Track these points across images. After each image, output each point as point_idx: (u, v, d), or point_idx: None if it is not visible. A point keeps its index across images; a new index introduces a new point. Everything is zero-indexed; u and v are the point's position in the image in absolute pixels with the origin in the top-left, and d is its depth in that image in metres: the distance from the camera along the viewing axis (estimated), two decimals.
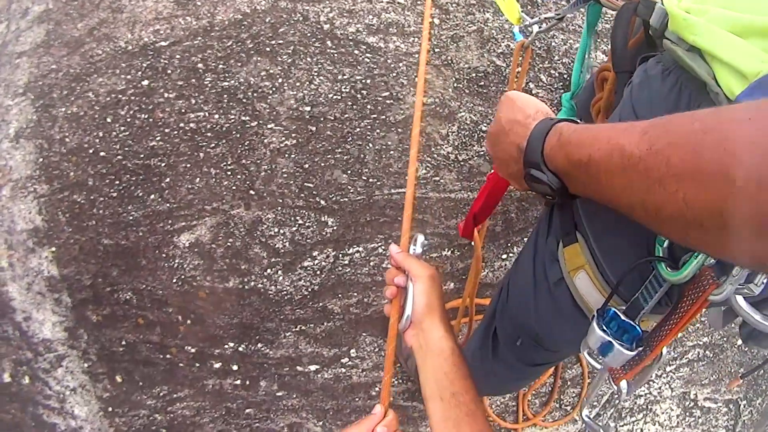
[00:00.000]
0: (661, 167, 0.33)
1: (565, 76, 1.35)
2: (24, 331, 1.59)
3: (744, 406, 1.70)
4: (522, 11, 1.32)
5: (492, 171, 0.90)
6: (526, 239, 1.32)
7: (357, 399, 1.34)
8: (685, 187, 0.32)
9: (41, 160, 1.48)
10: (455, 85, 1.24)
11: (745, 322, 0.52)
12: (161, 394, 1.43)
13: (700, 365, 1.60)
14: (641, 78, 0.56)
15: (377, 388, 1.33)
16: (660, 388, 1.55)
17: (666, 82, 0.51)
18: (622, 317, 0.52)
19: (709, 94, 0.45)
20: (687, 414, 1.63)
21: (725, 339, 1.67)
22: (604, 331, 0.51)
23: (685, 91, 0.48)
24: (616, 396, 0.56)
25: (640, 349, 0.52)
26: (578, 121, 0.49)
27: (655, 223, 0.37)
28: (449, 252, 1.25)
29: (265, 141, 1.22)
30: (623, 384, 0.55)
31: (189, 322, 1.34)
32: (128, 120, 1.36)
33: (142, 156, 1.34)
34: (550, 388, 1.39)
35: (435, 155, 1.21)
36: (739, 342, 1.70)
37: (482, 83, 1.25)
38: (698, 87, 0.47)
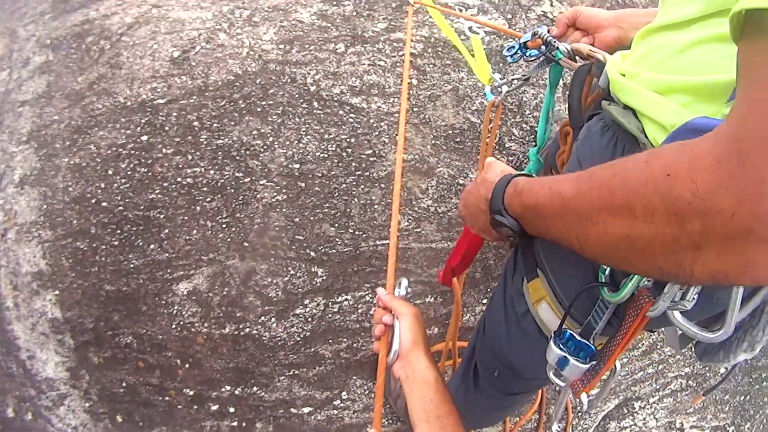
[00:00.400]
0: (586, 206, 0.43)
1: (536, 129, 1.44)
2: (28, 369, 1.65)
3: (732, 431, 1.76)
4: (494, 69, 1.42)
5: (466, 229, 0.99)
6: None
7: None
8: (603, 219, 0.41)
9: (45, 207, 1.55)
10: (433, 142, 1.32)
11: (698, 341, 0.61)
12: None
13: (683, 395, 1.66)
14: (585, 134, 0.66)
15: (368, 429, 1.40)
16: (645, 419, 1.62)
17: (605, 137, 0.60)
18: (577, 337, 0.60)
19: (640, 145, 0.54)
20: None
21: (707, 368, 1.73)
22: (561, 348, 0.60)
23: (620, 144, 0.57)
24: (579, 408, 0.63)
25: (594, 363, 0.60)
26: (533, 175, 0.60)
27: (587, 251, 0.46)
28: (432, 299, 1.32)
29: (258, 196, 1.30)
30: (583, 397, 0.63)
31: (187, 365, 1.41)
32: (129, 173, 1.44)
33: (142, 207, 1.41)
34: (535, 424, 1.46)
35: (416, 208, 1.29)
36: (722, 370, 1.76)
37: (458, 139, 1.34)
38: (631, 140, 0.55)
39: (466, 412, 1.06)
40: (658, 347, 1.62)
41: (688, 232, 0.34)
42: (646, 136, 0.52)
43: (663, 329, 0.90)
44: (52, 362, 1.62)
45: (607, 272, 0.57)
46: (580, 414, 1.53)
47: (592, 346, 0.60)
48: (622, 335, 0.57)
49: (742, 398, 1.76)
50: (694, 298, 0.49)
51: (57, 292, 1.56)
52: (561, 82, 1.36)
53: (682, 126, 0.44)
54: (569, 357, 0.59)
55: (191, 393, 1.42)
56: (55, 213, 1.55)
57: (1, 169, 1.69)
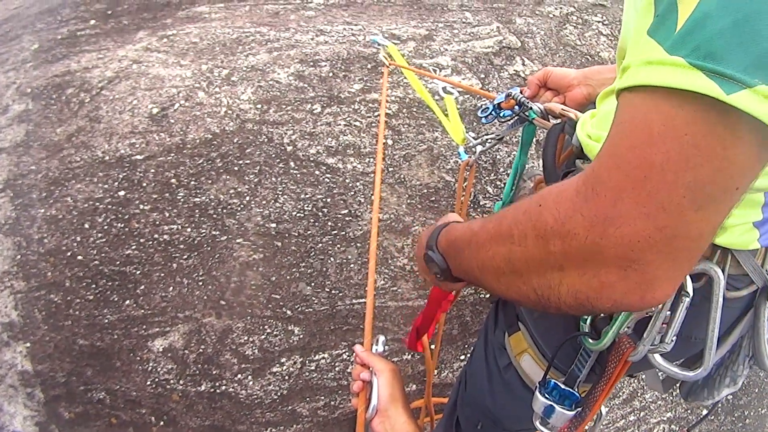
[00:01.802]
0: (484, 236, 0.50)
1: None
2: None
3: None
4: (468, 129, 1.47)
5: (431, 288, 1.03)
6: None
7: None
8: (492, 247, 0.48)
9: (19, 257, 1.53)
10: (408, 201, 1.36)
11: (683, 382, 0.64)
12: None
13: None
14: None
15: None
16: None
17: None
18: (562, 386, 0.63)
19: None
20: None
21: (689, 411, 1.76)
22: (546, 397, 0.63)
23: None
24: None
25: (579, 409, 0.63)
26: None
27: (484, 279, 0.52)
28: (409, 356, 1.34)
29: (235, 254, 1.31)
30: None
31: (162, 423, 1.39)
32: (105, 227, 1.44)
33: (118, 263, 1.41)
34: None
35: (392, 267, 1.32)
36: (704, 412, 1.79)
37: (433, 198, 1.39)
38: None
39: None
40: (639, 395, 1.65)
41: (552, 253, 0.39)
42: None
43: (644, 376, 0.94)
44: (20, 416, 1.57)
45: (588, 322, 0.60)
46: None
47: (577, 394, 0.63)
48: (605, 380, 0.60)
49: (700, 425, 1.80)
50: (672, 340, 0.53)
51: (28, 345, 1.53)
52: (534, 140, 1.42)
53: None
54: (555, 405, 0.62)
55: None
56: (29, 264, 1.53)
57: None
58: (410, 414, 0.67)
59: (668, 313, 0.52)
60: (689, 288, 0.51)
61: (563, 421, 0.63)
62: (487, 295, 1.40)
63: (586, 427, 0.66)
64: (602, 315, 0.58)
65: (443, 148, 1.42)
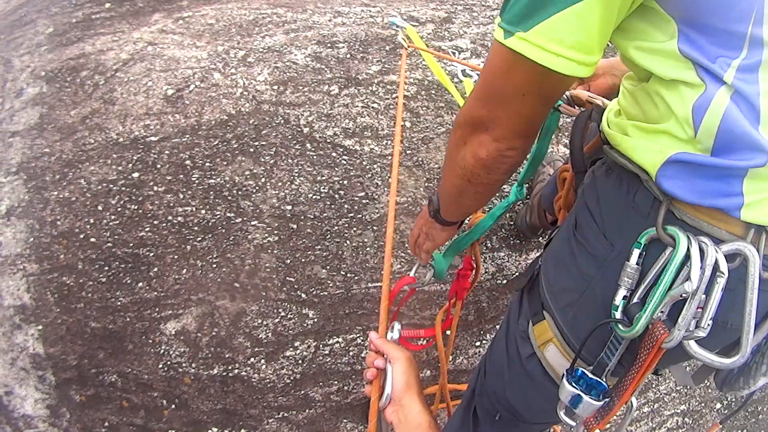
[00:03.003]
0: (449, 160, 0.69)
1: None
2: (5, 405, 1.60)
3: None
4: None
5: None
6: (496, 327, 1.40)
7: None
8: (448, 163, 0.70)
9: (32, 239, 1.53)
10: (426, 184, 1.34)
11: (717, 372, 0.63)
12: None
13: None
14: (590, 179, 0.68)
15: None
16: None
17: (610, 179, 0.63)
18: (590, 375, 0.61)
19: (643, 182, 0.58)
20: None
21: (703, 404, 1.73)
22: (573, 386, 0.60)
23: (625, 183, 0.61)
24: None
25: (607, 400, 0.61)
26: None
27: (446, 189, 0.73)
28: (423, 341, 1.32)
29: (249, 237, 1.29)
30: None
31: (173, 406, 1.38)
32: (119, 209, 1.43)
33: (131, 245, 1.40)
34: None
35: (408, 251, 1.29)
36: (718, 406, 1.76)
37: None
38: (633, 177, 0.59)
39: None
40: (653, 386, 1.62)
41: (460, 137, 0.63)
42: (647, 173, 0.57)
43: (668, 371, 0.91)
44: (31, 399, 1.57)
45: (620, 308, 0.58)
46: None
47: (605, 384, 0.61)
48: (636, 369, 0.58)
49: (733, 417, 1.76)
50: (708, 324, 0.52)
51: (40, 327, 1.52)
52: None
53: (667, 159, 0.53)
54: (582, 395, 0.60)
55: None
56: (42, 246, 1.52)
57: None
58: (424, 403, 0.65)
59: (703, 296, 0.51)
60: (723, 268, 0.50)
61: (590, 412, 0.61)
62: (504, 282, 1.37)
63: (617, 420, 0.64)
64: (624, 295, 0.57)
65: None
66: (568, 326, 0.66)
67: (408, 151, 1.35)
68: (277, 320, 1.28)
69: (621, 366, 0.61)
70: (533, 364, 0.73)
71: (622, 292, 0.57)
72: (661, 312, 0.54)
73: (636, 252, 0.56)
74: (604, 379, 0.61)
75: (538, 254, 1.32)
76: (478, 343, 1.36)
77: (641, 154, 0.57)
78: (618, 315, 0.58)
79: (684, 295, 0.51)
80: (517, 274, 1.38)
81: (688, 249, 0.51)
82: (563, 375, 0.63)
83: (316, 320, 1.27)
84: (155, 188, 1.40)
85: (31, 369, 1.56)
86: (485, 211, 1.14)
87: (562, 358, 0.68)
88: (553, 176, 1.29)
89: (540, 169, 1.41)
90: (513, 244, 1.40)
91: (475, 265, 1.14)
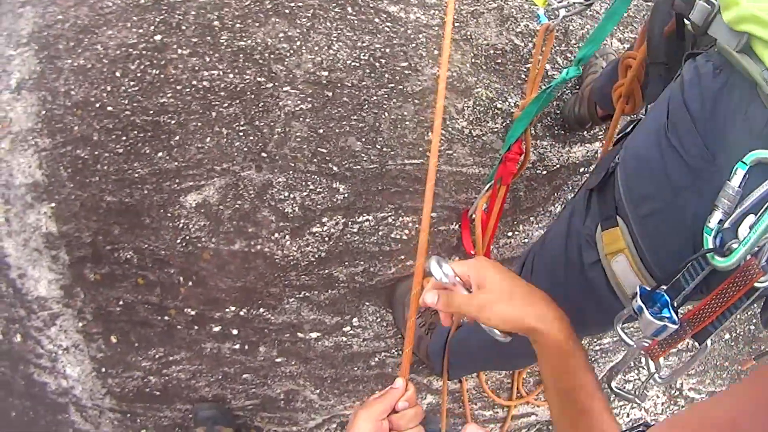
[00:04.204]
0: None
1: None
2: (18, 288, 1.56)
3: None
4: None
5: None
6: (532, 218, 1.33)
7: (356, 368, 1.35)
8: None
9: (44, 112, 1.44)
10: (473, 60, 1.24)
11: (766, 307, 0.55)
12: (157, 356, 1.42)
13: (688, 355, 1.64)
14: (691, 75, 0.57)
15: (377, 358, 1.34)
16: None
17: (716, 81, 0.53)
18: (666, 297, 0.53)
19: (760, 95, 0.47)
20: (672, 402, 1.68)
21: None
22: (654, 316, 0.52)
23: (736, 91, 0.50)
24: (652, 375, 0.57)
25: (678, 326, 0.53)
26: None
27: None
28: (456, 226, 1.26)
29: (280, 104, 1.21)
30: (662, 361, 0.57)
31: (190, 283, 1.34)
32: (138, 75, 1.33)
33: (151, 112, 1.31)
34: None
35: (449, 129, 1.21)
36: (727, 336, 1.74)
37: (499, 61, 1.26)
38: (749, 87, 0.49)
39: (493, 353, 1.00)
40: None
41: None
42: None
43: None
44: (44, 280, 1.53)
45: (712, 233, 0.50)
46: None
47: (674, 315, 0.53)
48: (718, 303, 0.50)
49: (740, 367, 1.75)
50: None
51: (53, 205, 1.46)
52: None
53: None
54: (668, 324, 0.51)
55: (193, 313, 1.35)
56: (55, 119, 1.44)
57: None
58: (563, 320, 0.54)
59: None
60: None
61: (652, 332, 0.53)
62: (544, 172, 1.29)
63: (686, 360, 0.56)
64: (728, 226, 0.49)
65: (514, 9, 1.28)
66: (646, 238, 0.58)
67: (456, 24, 1.24)
68: (305, 194, 1.21)
69: (697, 292, 0.53)
70: (596, 272, 0.65)
71: (718, 215, 0.49)
72: (758, 248, 0.46)
73: (741, 173, 0.47)
74: (676, 305, 0.53)
75: (591, 149, 1.24)
76: (510, 234, 1.30)
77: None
78: (710, 242, 0.50)
79: None
80: (557, 165, 1.30)
81: None
82: (636, 292, 0.54)
83: (346, 195, 1.20)
84: (179, 51, 1.30)
85: (44, 249, 1.51)
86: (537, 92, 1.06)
87: (631, 272, 0.61)
88: (607, 68, 1.20)
89: (592, 60, 1.32)
90: (557, 134, 1.31)
91: (524, 150, 1.07)
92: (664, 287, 0.54)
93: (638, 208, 0.59)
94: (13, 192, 1.53)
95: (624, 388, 0.66)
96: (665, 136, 0.56)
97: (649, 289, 0.54)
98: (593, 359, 1.51)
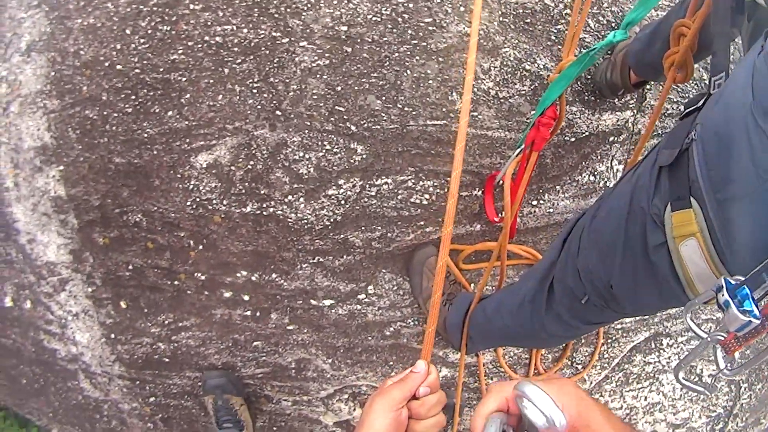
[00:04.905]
0: None
1: (613, 24, 1.29)
2: (27, 253, 1.55)
3: (744, 389, 1.70)
4: None
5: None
6: (558, 187, 1.27)
7: (370, 338, 1.31)
8: None
9: (53, 74, 1.41)
10: (501, 18, 1.17)
11: None
12: (166, 322, 1.40)
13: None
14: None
15: (392, 328, 1.30)
16: (669, 357, 1.55)
17: None
18: (747, 290, 0.48)
19: None
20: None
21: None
22: (742, 311, 0.48)
23: None
24: (723, 369, 0.53)
25: (763, 319, 0.48)
26: None
27: None
28: (479, 191, 1.20)
29: (296, 60, 1.15)
30: (737, 355, 0.53)
31: (201, 247, 1.30)
32: (149, 32, 1.28)
33: (161, 70, 1.27)
34: (563, 345, 1.38)
35: (475, 89, 1.15)
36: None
37: (529, 20, 1.19)
38: None
39: (523, 331, 0.94)
40: None
41: None
42: None
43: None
44: (53, 245, 1.51)
45: None
46: (608, 342, 1.45)
47: (755, 309, 0.48)
48: None
49: None
50: None
51: (61, 168, 1.43)
52: None
53: None
54: (753, 319, 0.47)
55: (203, 278, 1.31)
56: (64, 80, 1.40)
57: (7, 37, 1.53)
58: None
59: None
60: None
61: (737, 327, 0.49)
62: (573, 139, 1.23)
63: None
64: None
65: None
66: (723, 224, 0.54)
67: None
68: (321, 154, 1.16)
69: None
70: (660, 255, 0.61)
71: None
72: None
73: None
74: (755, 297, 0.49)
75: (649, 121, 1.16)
76: (534, 202, 1.24)
77: None
78: None
79: None
80: (586, 133, 1.23)
81: None
82: (722, 287, 0.49)
83: (364, 156, 1.15)
84: (191, 6, 1.24)
85: (53, 213, 1.48)
86: (576, 55, 0.99)
87: (701, 258, 0.57)
88: (641, 33, 1.14)
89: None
90: (587, 100, 1.25)
91: (558, 115, 1.01)
92: (741, 278, 0.50)
93: (717, 192, 0.54)
94: (22, 156, 1.50)
95: (690, 379, 0.62)
96: (752, 116, 0.51)
97: (734, 282, 0.49)
98: (614, 338, 1.46)
